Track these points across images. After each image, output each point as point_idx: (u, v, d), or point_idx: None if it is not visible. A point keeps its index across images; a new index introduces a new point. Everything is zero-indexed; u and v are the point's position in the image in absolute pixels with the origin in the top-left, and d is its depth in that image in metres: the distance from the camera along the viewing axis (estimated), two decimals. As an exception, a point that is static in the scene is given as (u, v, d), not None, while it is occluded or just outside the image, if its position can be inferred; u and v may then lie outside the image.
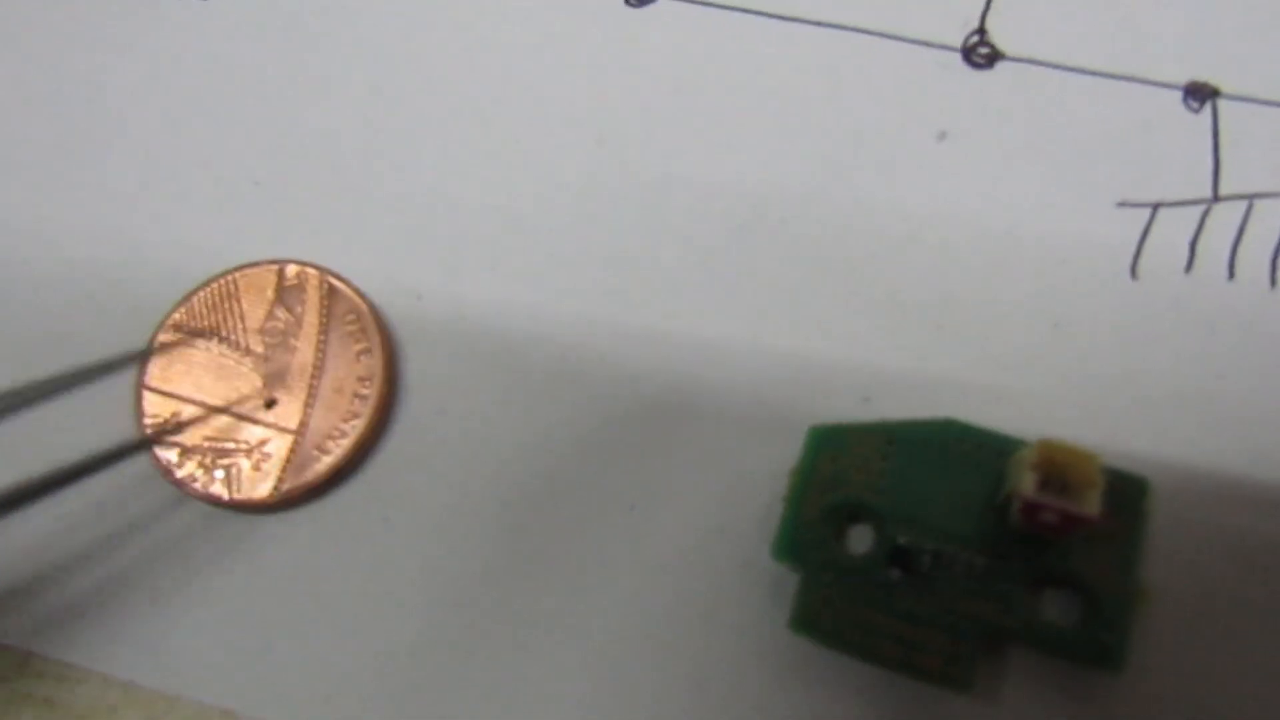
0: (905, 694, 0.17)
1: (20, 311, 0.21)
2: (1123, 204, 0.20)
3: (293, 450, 0.19)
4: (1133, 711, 0.17)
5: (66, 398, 0.19)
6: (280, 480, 0.19)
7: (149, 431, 0.19)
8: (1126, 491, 0.18)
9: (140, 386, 0.20)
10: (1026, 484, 0.17)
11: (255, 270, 0.20)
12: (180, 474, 0.19)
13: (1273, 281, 0.19)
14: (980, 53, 0.21)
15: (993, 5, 0.21)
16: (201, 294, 0.20)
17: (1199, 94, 0.20)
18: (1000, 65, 0.21)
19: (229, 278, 0.20)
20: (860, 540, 0.18)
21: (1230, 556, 0.18)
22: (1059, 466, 0.17)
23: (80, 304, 0.21)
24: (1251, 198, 0.20)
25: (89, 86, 0.23)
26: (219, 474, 0.19)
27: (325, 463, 0.19)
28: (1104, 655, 0.17)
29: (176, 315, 0.20)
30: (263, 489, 0.19)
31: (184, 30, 0.23)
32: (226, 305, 0.20)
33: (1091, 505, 0.16)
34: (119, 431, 0.20)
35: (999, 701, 0.17)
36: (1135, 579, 0.17)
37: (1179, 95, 0.20)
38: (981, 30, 0.21)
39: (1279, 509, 0.18)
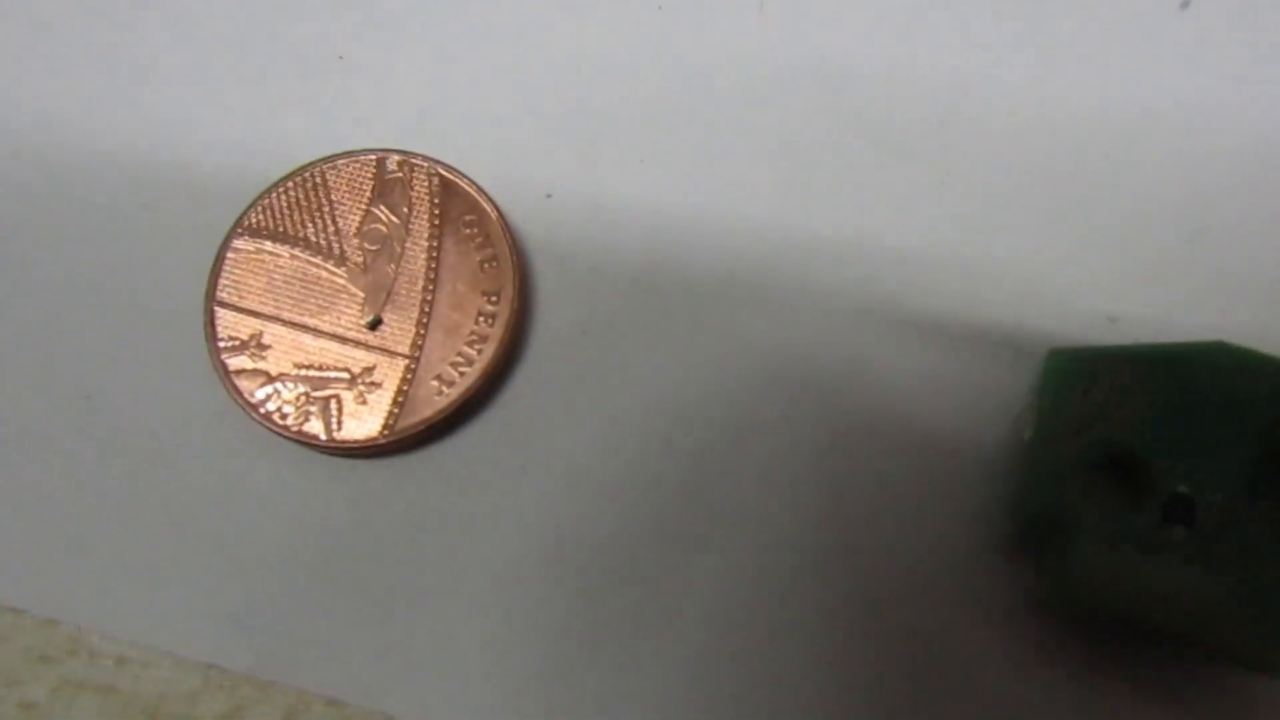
0: (1192, 678, 0.14)
1: (78, 213, 0.17)
2: None
3: (405, 380, 0.15)
4: None
5: (130, 317, 0.16)
6: (391, 417, 0.15)
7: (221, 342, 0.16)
8: None
9: (211, 302, 0.16)
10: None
11: (348, 162, 0.17)
12: (268, 409, 0.15)
13: None
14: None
15: None
16: (281, 190, 0.16)
17: None
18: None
19: (315, 170, 0.17)
20: (1124, 491, 0.15)
21: None
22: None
23: (144, 204, 0.17)
24: None
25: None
26: (314, 409, 0.15)
27: (447, 396, 0.15)
28: None
29: (252, 217, 0.16)
30: (370, 427, 0.15)
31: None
32: (313, 203, 0.16)
33: None
34: (188, 355, 0.16)
35: (1308, 687, 0.14)
36: None
37: None
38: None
39: None
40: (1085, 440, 0.14)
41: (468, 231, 0.16)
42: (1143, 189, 0.16)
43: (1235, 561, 0.14)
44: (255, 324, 0.16)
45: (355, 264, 0.16)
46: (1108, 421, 0.15)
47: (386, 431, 0.15)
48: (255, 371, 0.16)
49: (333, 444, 0.15)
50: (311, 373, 0.16)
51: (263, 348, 0.16)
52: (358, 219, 0.16)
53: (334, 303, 0.16)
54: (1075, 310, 0.16)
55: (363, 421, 0.15)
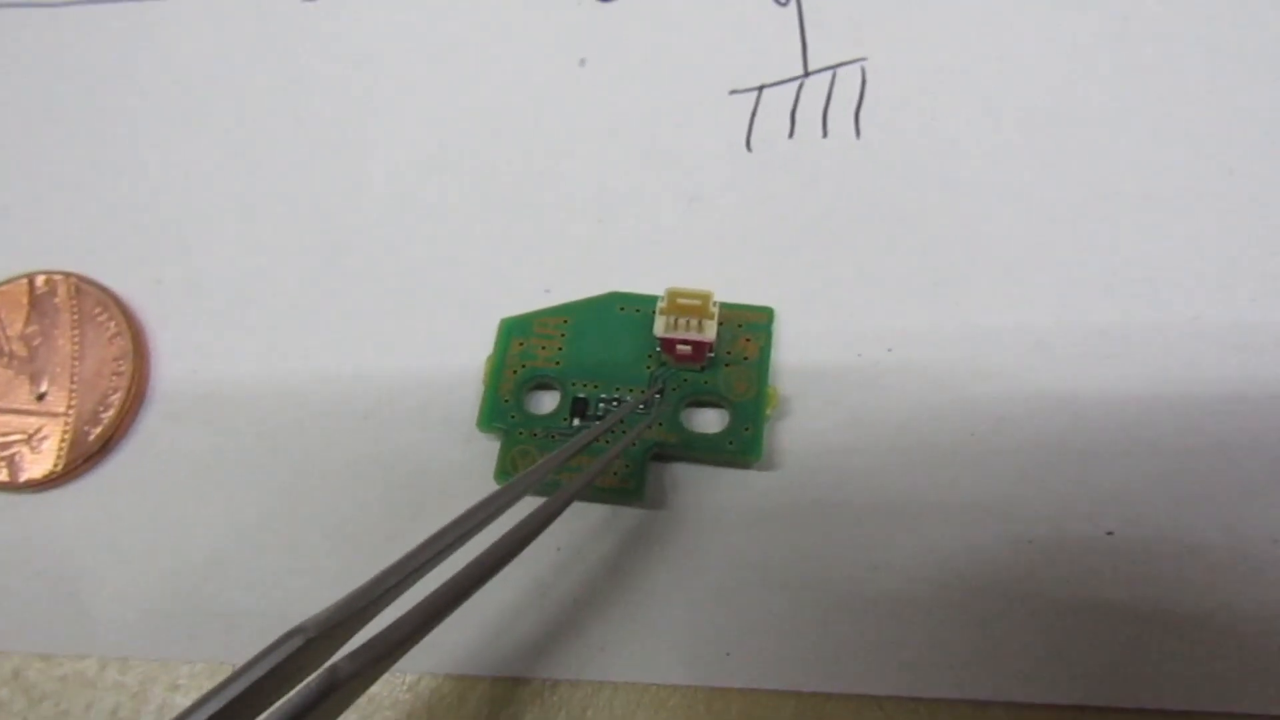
0: (596, 515, 0.21)
1: None
2: (734, 91, 0.24)
3: (65, 430, 0.22)
4: (771, 493, 0.21)
5: None
6: (59, 457, 0.22)
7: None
8: (757, 320, 0.22)
9: (-82, 406, 0.22)
10: (659, 325, 0.20)
11: (7, 287, 0.23)
12: (-30, 470, 0.22)
13: (857, 133, 0.23)
14: (607, -12, 0.25)
15: (610, -54, 0.25)
16: (-38, 316, 0.23)
17: (787, -9, 0.24)
18: (625, -4, 0.25)
19: (-16, 297, 0.23)
20: (550, 402, 0.22)
21: (842, 362, 0.22)
22: (683, 307, 0.21)
23: None
24: (834, 68, 0.24)
25: None
26: (2, 463, 0.22)
27: (96, 434, 0.22)
28: (743, 450, 0.20)
29: (-57, 339, 0.23)
30: (44, 467, 0.22)
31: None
32: (-14, 321, 0.23)
33: (709, 332, 0.20)
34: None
35: (668, 505, 0.21)
36: (765, 387, 0.21)
37: (772, -5, 0.24)
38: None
39: (881, 329, 0.22)
40: (520, 375, 0.21)
41: (100, 318, 0.23)
42: (565, 197, 0.23)
43: (612, 433, 0.21)
44: (-47, 415, 0.22)
45: (22, 358, 0.23)
46: (535, 359, 0.22)
47: (56, 468, 0.22)
48: (-42, 447, 0.22)
49: (22, 484, 0.22)
50: (-1, 440, 0.22)
51: (-18, 431, 0.22)
52: (21, 325, 0.23)
53: (9, 389, 0.22)
54: (522, 288, 0.23)
55: (38, 465, 0.22)
